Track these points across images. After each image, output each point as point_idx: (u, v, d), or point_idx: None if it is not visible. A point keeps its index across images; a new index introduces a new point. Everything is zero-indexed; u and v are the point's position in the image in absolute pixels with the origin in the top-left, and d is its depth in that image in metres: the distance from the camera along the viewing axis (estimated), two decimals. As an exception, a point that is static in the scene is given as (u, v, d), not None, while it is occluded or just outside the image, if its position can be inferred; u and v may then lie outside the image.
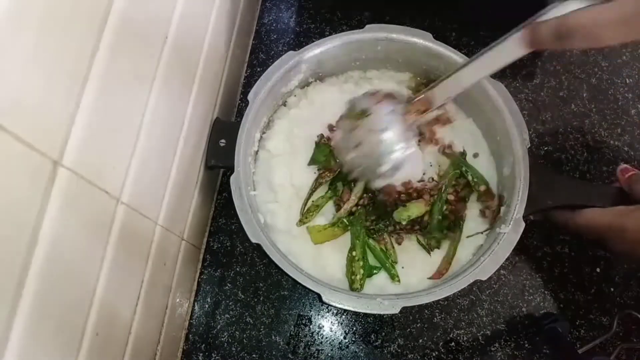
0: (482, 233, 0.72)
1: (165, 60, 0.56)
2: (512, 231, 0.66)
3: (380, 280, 0.71)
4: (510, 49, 0.51)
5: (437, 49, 0.76)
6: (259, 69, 0.90)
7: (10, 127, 0.33)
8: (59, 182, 0.39)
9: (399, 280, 0.70)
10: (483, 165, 0.76)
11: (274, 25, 0.93)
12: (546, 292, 0.77)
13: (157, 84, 0.54)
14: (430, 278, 0.70)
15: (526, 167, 0.69)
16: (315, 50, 0.76)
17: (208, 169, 0.74)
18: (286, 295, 0.77)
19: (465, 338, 0.75)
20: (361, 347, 0.74)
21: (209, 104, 0.74)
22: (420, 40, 0.76)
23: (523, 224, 0.66)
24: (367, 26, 0.76)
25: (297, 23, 0.93)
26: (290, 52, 0.75)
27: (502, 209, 0.71)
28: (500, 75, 0.83)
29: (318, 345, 0.74)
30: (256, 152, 0.77)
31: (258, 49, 0.92)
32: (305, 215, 0.74)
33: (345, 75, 0.83)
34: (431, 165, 0.77)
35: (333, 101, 0.79)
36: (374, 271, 0.71)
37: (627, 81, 0.89)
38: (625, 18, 0.42)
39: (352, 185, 0.74)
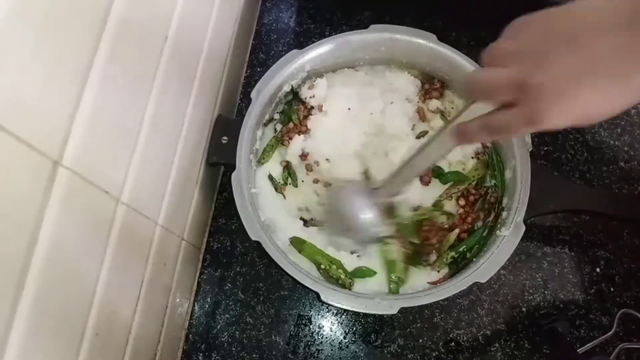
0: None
1: (165, 60, 0.56)
2: (512, 234, 0.65)
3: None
4: (442, 145, 0.55)
5: (441, 51, 0.76)
6: (259, 69, 0.90)
7: (10, 127, 0.33)
8: (59, 182, 0.39)
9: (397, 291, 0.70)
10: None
11: (274, 25, 0.93)
12: (546, 292, 0.77)
13: (157, 83, 0.55)
14: (430, 283, 0.70)
15: (527, 170, 0.68)
16: (319, 50, 0.76)
17: (209, 165, 0.74)
18: (286, 295, 0.77)
19: (465, 338, 0.75)
20: (361, 347, 0.74)
21: (209, 102, 0.74)
22: (425, 41, 0.76)
23: (523, 228, 0.66)
24: (371, 26, 0.76)
25: (297, 23, 0.93)
26: (294, 51, 0.75)
27: (503, 213, 0.70)
28: (500, 75, 0.83)
29: (318, 345, 0.74)
30: (258, 150, 0.77)
31: (258, 49, 0.92)
32: (263, 156, 0.76)
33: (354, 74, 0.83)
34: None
35: (343, 97, 0.80)
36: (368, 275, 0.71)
37: (627, 81, 0.88)
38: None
39: None
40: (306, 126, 0.77)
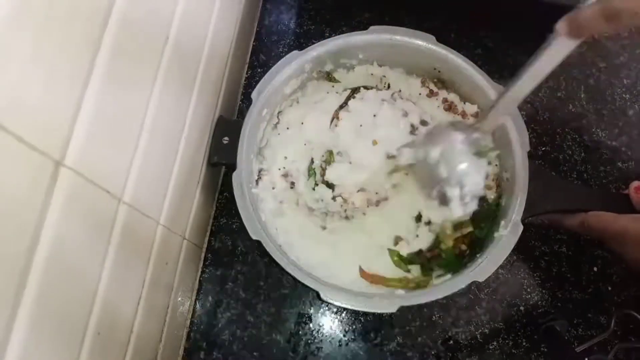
0: None
1: (166, 61, 0.56)
2: (510, 234, 0.66)
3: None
4: (557, 50, 0.50)
5: (441, 52, 0.76)
6: (259, 70, 0.90)
7: (12, 127, 0.33)
8: (61, 182, 0.39)
9: None
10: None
11: (275, 26, 0.94)
12: (544, 290, 0.77)
13: (158, 83, 0.55)
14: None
15: (525, 170, 0.69)
16: (319, 50, 0.76)
17: (211, 165, 0.74)
18: (287, 293, 0.77)
19: (463, 336, 0.75)
20: (361, 345, 0.75)
21: (210, 103, 0.74)
22: (424, 42, 0.76)
23: (521, 227, 0.66)
24: (371, 27, 0.77)
25: (298, 24, 0.94)
26: (295, 52, 0.76)
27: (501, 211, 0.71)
28: (499, 76, 0.84)
29: (318, 343, 0.75)
30: (259, 150, 0.77)
31: (259, 50, 0.92)
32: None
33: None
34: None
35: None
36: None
37: (625, 82, 0.89)
38: None
39: None
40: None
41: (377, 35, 0.77)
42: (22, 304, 0.37)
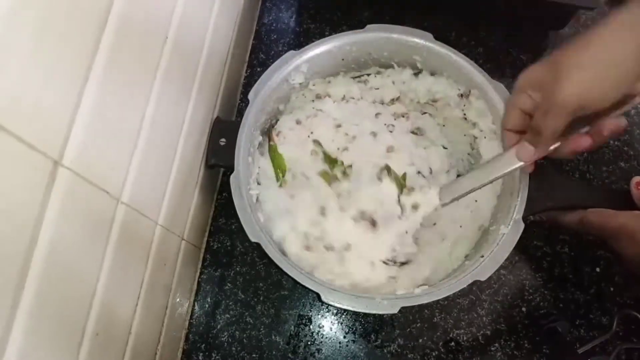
0: None
1: (165, 60, 0.56)
2: (511, 232, 0.65)
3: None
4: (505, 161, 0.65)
5: (438, 50, 0.76)
6: (259, 69, 0.90)
7: (11, 127, 0.33)
8: (59, 182, 0.39)
9: None
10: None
11: (274, 25, 0.93)
12: (546, 291, 0.77)
13: (157, 83, 0.55)
14: None
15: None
16: (316, 50, 0.76)
17: (208, 167, 0.74)
18: (286, 295, 0.77)
19: (465, 338, 0.75)
20: (361, 347, 0.74)
21: (209, 103, 0.74)
22: (421, 40, 0.76)
23: (522, 225, 0.66)
24: (368, 26, 0.76)
25: (297, 23, 0.93)
26: (292, 52, 0.75)
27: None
28: (501, 75, 0.83)
29: (318, 344, 0.74)
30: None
31: (258, 49, 0.92)
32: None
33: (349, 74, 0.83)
34: None
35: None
36: None
37: (627, 80, 0.88)
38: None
39: None
40: None
41: (375, 34, 0.77)
42: (21, 305, 0.37)
